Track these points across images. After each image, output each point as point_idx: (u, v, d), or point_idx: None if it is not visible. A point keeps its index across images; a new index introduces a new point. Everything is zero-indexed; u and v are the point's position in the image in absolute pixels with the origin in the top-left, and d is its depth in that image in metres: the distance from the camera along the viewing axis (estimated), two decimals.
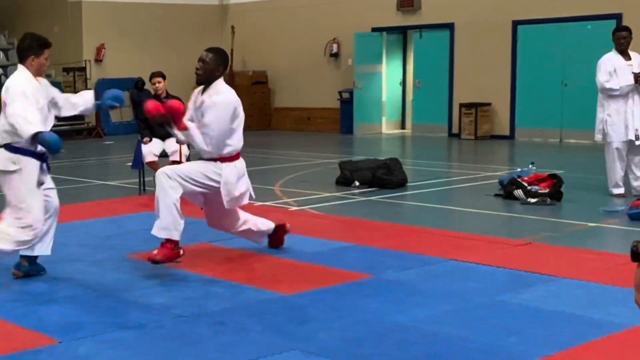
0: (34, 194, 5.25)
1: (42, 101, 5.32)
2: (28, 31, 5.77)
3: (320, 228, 7.26)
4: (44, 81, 5.49)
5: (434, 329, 4.40)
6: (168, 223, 5.47)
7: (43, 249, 5.48)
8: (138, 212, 8.20)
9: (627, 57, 8.78)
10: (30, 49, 5.35)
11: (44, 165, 5.38)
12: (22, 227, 5.18)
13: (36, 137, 5.08)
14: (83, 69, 18.73)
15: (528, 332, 4.35)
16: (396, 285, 5.28)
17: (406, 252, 6.17)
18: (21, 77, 5.31)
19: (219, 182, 5.70)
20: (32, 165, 5.26)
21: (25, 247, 5.29)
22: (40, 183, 5.31)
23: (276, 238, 6.35)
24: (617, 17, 14.86)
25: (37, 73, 5.39)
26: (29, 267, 5.52)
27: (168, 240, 5.51)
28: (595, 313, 4.63)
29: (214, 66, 5.81)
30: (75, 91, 18.50)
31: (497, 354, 4.03)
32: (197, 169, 5.71)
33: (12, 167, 5.21)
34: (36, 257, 5.54)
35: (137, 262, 5.97)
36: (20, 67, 5.39)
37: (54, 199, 5.52)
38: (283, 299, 5.01)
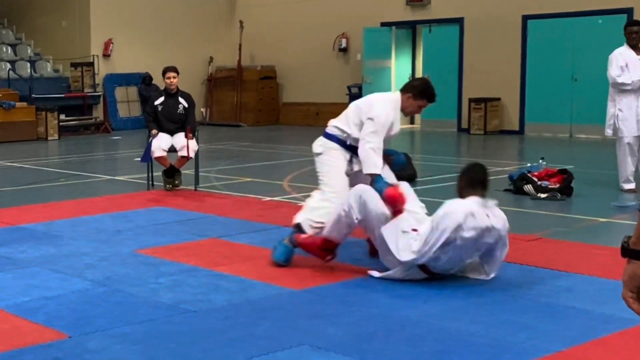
0: (336, 174, 5.78)
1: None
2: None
3: None
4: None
5: (444, 324, 4.38)
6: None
7: None
8: (146, 207, 8.20)
9: (639, 51, 8.73)
10: (413, 88, 5.83)
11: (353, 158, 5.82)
12: (323, 199, 5.71)
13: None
14: (91, 64, 18.75)
15: (539, 327, 4.33)
16: (406, 280, 5.26)
17: None
18: (384, 104, 5.82)
19: None
20: (337, 151, 5.85)
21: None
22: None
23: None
24: (628, 11, 14.80)
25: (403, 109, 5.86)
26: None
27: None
28: (607, 308, 4.60)
29: None
30: (82, 86, 18.60)
31: (508, 349, 4.01)
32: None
33: (319, 150, 5.92)
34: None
35: (146, 257, 5.96)
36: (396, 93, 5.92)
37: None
38: (292, 294, 5.00)
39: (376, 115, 5.66)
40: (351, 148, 5.83)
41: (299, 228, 5.71)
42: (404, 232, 5.18)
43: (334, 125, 5.98)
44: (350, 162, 5.86)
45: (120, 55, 19.25)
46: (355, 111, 5.89)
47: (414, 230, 5.19)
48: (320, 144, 5.96)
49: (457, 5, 17.26)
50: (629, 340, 4.16)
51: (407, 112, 5.93)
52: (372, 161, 5.57)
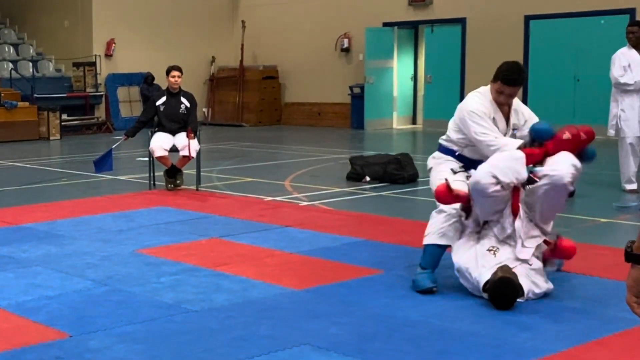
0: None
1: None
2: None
3: (331, 223, 7.24)
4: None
5: (445, 325, 4.38)
6: None
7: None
8: (148, 207, 8.20)
9: None
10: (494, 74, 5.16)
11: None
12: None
13: None
14: (93, 64, 18.75)
15: (540, 327, 4.33)
16: (407, 280, 5.25)
17: (417, 248, 6.13)
18: (473, 95, 5.28)
19: None
20: (443, 164, 5.34)
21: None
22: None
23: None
24: (631, 12, 14.78)
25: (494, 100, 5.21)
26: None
27: None
28: (608, 309, 4.61)
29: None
30: (85, 86, 18.61)
31: (509, 349, 4.01)
32: None
33: (430, 164, 5.48)
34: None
35: (148, 257, 5.97)
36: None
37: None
38: (294, 294, 4.99)
39: (470, 108, 5.15)
40: (460, 157, 5.32)
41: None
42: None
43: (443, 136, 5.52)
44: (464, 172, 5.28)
45: (122, 55, 19.25)
46: (455, 114, 5.34)
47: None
48: (431, 157, 5.52)
49: (459, 6, 17.25)
50: (630, 341, 4.16)
51: (497, 103, 5.19)
52: (504, 151, 5.00)
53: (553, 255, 4.99)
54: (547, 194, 4.96)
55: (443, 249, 5.13)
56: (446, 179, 4.98)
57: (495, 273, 4.70)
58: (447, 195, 4.93)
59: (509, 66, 5.14)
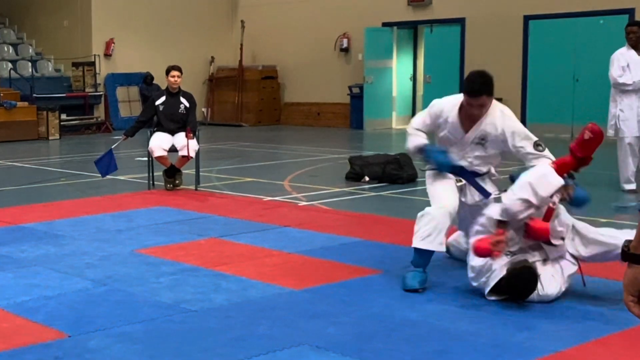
0: (435, 184, 5.23)
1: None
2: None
3: (329, 223, 7.25)
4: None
5: (444, 324, 4.38)
6: None
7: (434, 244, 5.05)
8: (147, 207, 8.20)
9: None
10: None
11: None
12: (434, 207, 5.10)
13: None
14: (92, 64, 18.74)
15: (539, 327, 4.34)
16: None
17: None
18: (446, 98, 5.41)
19: None
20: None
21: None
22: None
23: None
24: (630, 12, 14.79)
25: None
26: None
27: None
28: (607, 309, 4.61)
29: None
30: (84, 86, 18.60)
31: (508, 349, 4.01)
32: None
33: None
34: None
35: (147, 257, 5.97)
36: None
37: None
38: (292, 294, 5.00)
39: (434, 101, 5.37)
40: None
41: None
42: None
43: None
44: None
45: (121, 55, 19.25)
46: None
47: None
48: None
49: (459, 6, 17.25)
50: (629, 341, 4.16)
51: (469, 115, 5.14)
52: (409, 139, 5.27)
53: (527, 237, 4.91)
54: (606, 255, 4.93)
55: (430, 250, 5.11)
56: (490, 242, 4.71)
57: (513, 264, 4.70)
58: (488, 251, 4.76)
59: (471, 76, 5.08)
